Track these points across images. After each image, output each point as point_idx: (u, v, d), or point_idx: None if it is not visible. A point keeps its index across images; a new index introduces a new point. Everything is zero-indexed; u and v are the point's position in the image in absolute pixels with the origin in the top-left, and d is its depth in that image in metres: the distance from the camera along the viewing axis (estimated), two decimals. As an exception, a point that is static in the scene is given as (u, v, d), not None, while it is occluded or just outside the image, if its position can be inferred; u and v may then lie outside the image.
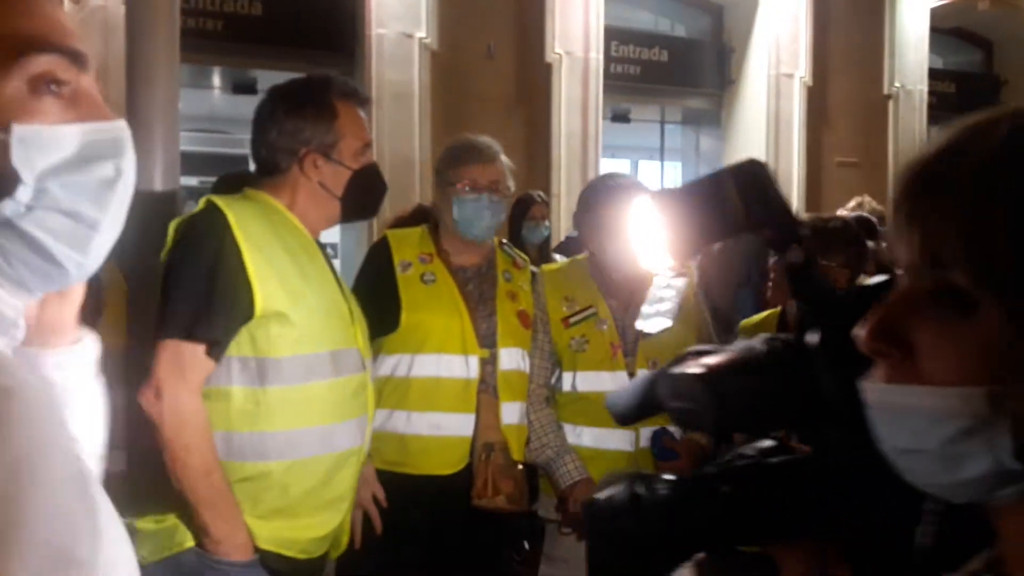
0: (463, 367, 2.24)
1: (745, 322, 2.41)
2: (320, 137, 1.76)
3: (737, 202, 0.88)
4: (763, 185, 0.87)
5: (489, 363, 2.28)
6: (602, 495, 0.87)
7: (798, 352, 0.80)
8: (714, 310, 4.74)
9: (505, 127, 6.76)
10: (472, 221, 2.31)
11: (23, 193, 0.61)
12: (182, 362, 1.60)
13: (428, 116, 6.57)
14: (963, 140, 0.54)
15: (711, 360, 0.84)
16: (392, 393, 2.24)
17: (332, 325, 1.75)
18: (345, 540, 1.91)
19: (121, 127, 0.66)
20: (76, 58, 0.63)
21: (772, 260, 2.25)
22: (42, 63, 0.61)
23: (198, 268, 1.63)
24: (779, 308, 2.36)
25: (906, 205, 0.55)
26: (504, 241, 2.54)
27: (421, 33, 6.54)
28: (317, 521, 1.76)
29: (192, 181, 6.31)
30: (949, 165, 0.54)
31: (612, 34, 7.49)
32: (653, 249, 0.97)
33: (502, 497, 2.24)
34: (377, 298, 2.26)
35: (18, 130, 0.60)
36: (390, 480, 2.22)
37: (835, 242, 2.21)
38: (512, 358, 2.33)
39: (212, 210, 1.67)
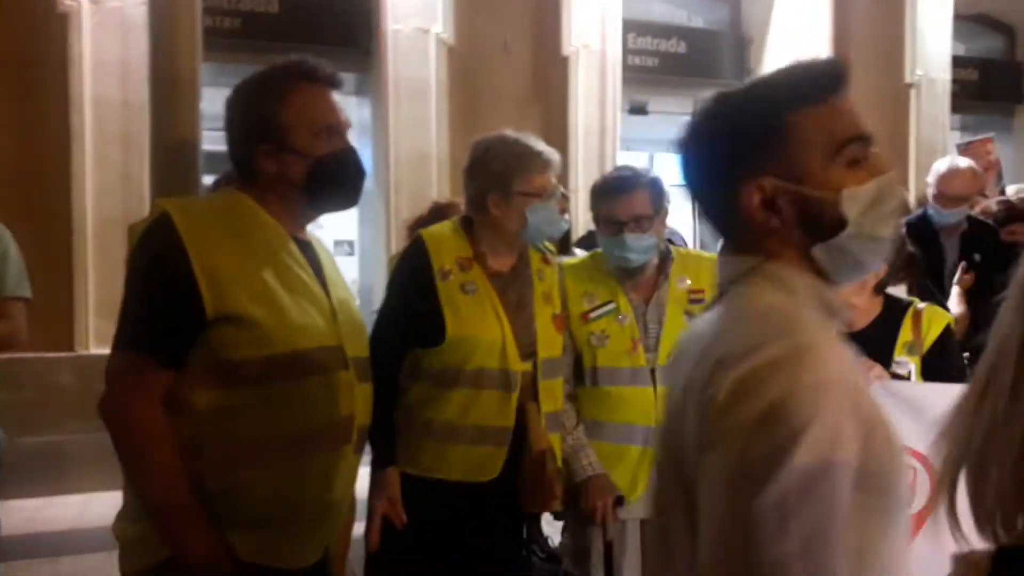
0: (503, 381, 2.21)
1: None
2: (271, 125, 1.66)
3: None
4: None
5: (529, 373, 2.25)
6: None
7: None
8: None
9: (522, 122, 6.66)
10: (547, 227, 2.30)
11: (848, 228, 1.01)
12: (134, 372, 1.57)
13: (445, 112, 6.53)
14: None
15: None
16: (433, 403, 2.22)
17: (307, 323, 1.66)
18: (340, 549, 1.88)
19: (893, 176, 1.05)
20: (867, 141, 1.04)
21: None
22: (853, 151, 1.03)
23: (142, 278, 1.62)
24: None
25: None
26: None
27: (437, 28, 6.51)
28: (303, 529, 1.69)
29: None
30: None
31: (629, 26, 7.42)
32: None
33: (556, 501, 2.27)
34: (417, 309, 2.21)
35: (844, 192, 1.01)
36: (427, 485, 2.21)
37: None
38: (551, 368, 2.31)
39: (160, 215, 1.61)
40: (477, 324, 2.21)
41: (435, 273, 2.22)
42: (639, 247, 2.35)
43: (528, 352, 2.25)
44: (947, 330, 2.06)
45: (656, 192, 2.39)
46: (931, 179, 3.92)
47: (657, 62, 7.78)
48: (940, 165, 3.91)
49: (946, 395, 1.82)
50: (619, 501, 2.35)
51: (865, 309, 2.09)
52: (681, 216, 8.85)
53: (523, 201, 2.24)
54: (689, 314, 2.40)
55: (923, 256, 3.08)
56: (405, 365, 2.25)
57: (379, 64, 6.47)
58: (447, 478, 2.22)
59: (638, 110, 8.35)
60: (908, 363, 2.03)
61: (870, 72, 8.33)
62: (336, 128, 1.75)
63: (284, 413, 1.62)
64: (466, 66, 6.70)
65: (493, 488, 2.22)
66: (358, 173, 1.79)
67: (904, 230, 3.58)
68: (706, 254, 2.61)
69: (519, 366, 2.22)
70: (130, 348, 1.59)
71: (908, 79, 8.45)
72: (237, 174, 1.76)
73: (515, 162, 2.26)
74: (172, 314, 1.57)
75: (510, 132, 2.33)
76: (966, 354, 2.82)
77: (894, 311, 2.11)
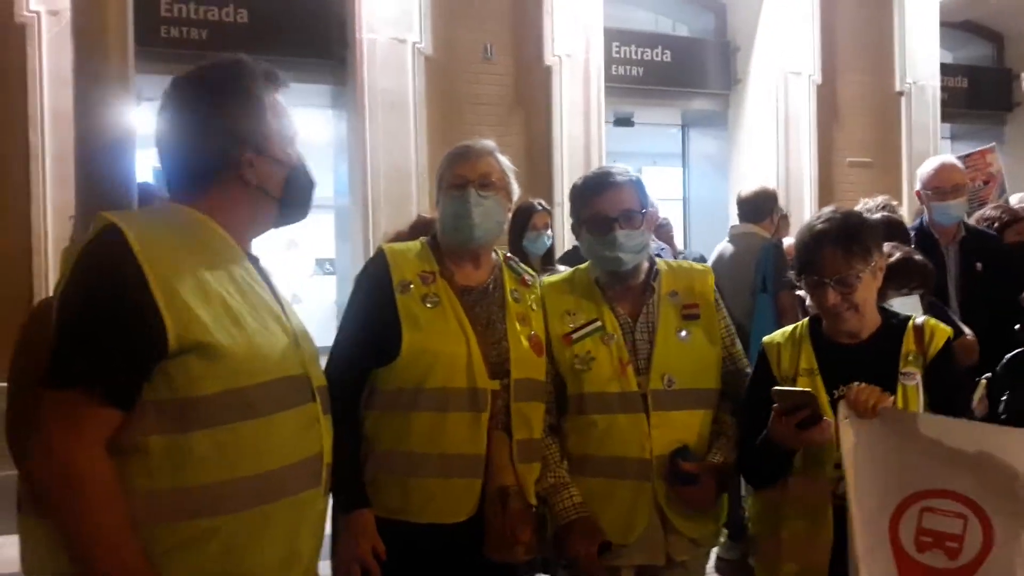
0: (472, 400, 1.98)
1: (769, 339, 2.14)
2: (257, 131, 1.53)
3: None
4: None
5: (500, 396, 2.02)
6: None
7: None
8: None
9: (504, 133, 6.51)
10: (457, 219, 2.07)
11: None
12: (75, 414, 1.33)
13: (424, 124, 6.33)
14: None
15: None
16: (391, 432, 1.98)
17: (272, 351, 1.50)
18: None
19: None
20: None
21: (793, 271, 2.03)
22: None
23: (90, 304, 1.37)
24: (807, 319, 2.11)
25: None
26: (510, 256, 2.29)
27: (414, 37, 6.32)
28: None
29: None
30: None
31: (613, 35, 7.26)
32: None
33: (520, 547, 1.98)
34: (374, 322, 2.01)
35: None
36: (391, 530, 1.95)
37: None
38: (526, 390, 2.07)
39: (110, 231, 1.39)
40: (438, 336, 2.00)
41: (394, 286, 2.03)
42: (632, 245, 2.15)
43: (499, 371, 2.03)
44: (949, 343, 2.00)
45: (641, 191, 2.22)
46: (921, 183, 3.86)
47: (642, 72, 7.61)
48: (926, 167, 3.92)
49: (983, 434, 1.69)
50: (605, 547, 2.09)
51: (869, 320, 2.01)
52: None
53: (441, 195, 2.13)
54: (682, 331, 2.16)
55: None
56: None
57: (354, 76, 6.26)
58: (415, 520, 1.97)
59: (624, 121, 8.18)
60: (915, 374, 1.94)
61: (859, 80, 8.20)
62: (297, 135, 1.64)
63: (250, 454, 1.44)
64: (444, 76, 6.50)
65: (470, 531, 1.97)
66: (313, 184, 1.69)
67: (913, 243, 3.43)
68: (697, 265, 2.40)
69: (488, 384, 1.99)
70: (71, 384, 1.34)
71: (898, 87, 8.32)
72: (182, 185, 1.55)
73: (447, 160, 2.16)
74: (127, 343, 1.35)
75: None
76: (988, 375, 2.61)
77: (894, 324, 2.04)
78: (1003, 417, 2.32)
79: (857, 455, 1.72)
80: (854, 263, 1.93)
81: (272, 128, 1.55)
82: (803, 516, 1.94)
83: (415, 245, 2.17)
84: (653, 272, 2.23)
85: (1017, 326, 2.72)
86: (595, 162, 6.81)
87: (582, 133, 6.84)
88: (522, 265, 2.27)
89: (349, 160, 6.53)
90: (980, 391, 2.64)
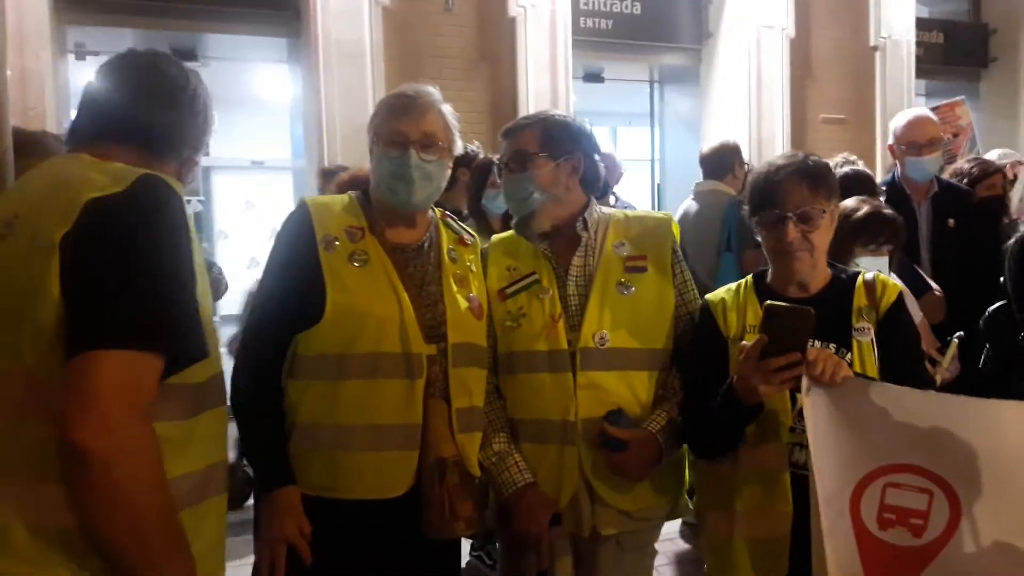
0: (406, 366, 1.82)
1: (712, 296, 1.99)
2: (200, 135, 1.57)
3: None
4: None
5: (437, 361, 1.87)
6: None
7: None
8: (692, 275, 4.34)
9: (467, 88, 6.28)
10: (394, 181, 1.90)
11: None
12: (133, 380, 1.19)
13: (382, 77, 6.08)
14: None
15: None
16: (316, 402, 1.82)
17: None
18: None
19: None
20: None
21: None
22: None
23: (169, 258, 1.25)
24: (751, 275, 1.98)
25: None
26: (448, 214, 2.12)
27: (371, -14, 6.03)
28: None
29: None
30: None
31: (580, -15, 7.00)
32: None
33: (461, 523, 1.85)
34: (295, 282, 1.84)
35: None
36: (318, 508, 1.81)
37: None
38: (465, 355, 1.92)
39: (160, 182, 1.31)
40: (366, 296, 1.84)
41: (318, 241, 1.86)
42: (515, 190, 2.03)
43: (435, 335, 1.88)
44: (900, 297, 1.91)
45: (549, 135, 2.04)
46: (895, 137, 3.74)
47: (611, 24, 7.36)
48: (899, 120, 3.80)
49: (949, 406, 1.53)
50: (556, 519, 1.95)
51: (820, 271, 1.91)
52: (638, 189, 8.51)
53: (376, 151, 1.95)
54: (624, 285, 2.00)
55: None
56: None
57: (309, 27, 5.97)
58: (346, 497, 1.81)
59: (593, 77, 7.95)
60: (868, 329, 1.85)
61: (834, 35, 8.01)
62: None
63: (217, 441, 1.48)
64: (403, 28, 6.23)
65: (406, 506, 1.82)
66: None
67: (884, 198, 3.30)
68: (655, 214, 2.22)
69: (423, 348, 1.84)
70: (131, 347, 1.19)
71: (872, 42, 8.14)
72: (142, 140, 1.46)
73: (385, 110, 1.97)
74: (193, 307, 1.30)
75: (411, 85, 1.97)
76: (960, 333, 2.49)
77: (843, 279, 1.94)
78: (982, 370, 2.25)
79: (819, 428, 1.58)
80: (818, 198, 1.81)
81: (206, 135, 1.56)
82: (758, 488, 1.80)
83: (342, 198, 2.00)
84: (586, 220, 2.06)
85: (1001, 279, 2.60)
86: (562, 119, 6.59)
87: (549, 89, 6.61)
88: (461, 224, 2.11)
89: (304, 117, 6.27)
90: (952, 351, 2.52)
